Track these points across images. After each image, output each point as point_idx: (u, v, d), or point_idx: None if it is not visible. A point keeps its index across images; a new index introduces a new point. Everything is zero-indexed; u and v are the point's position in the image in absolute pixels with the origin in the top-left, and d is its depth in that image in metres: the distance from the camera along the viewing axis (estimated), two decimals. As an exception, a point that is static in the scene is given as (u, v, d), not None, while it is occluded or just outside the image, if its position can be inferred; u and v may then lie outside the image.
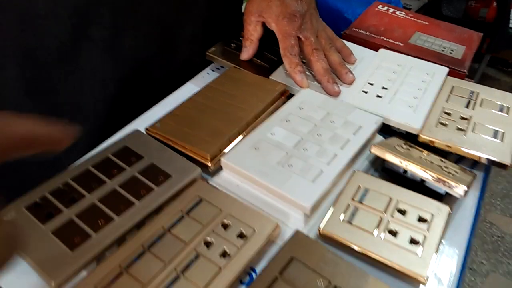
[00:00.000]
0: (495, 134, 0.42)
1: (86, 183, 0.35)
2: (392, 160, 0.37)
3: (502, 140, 0.41)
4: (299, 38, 0.48)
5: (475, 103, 0.47)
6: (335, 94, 0.46)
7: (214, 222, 0.32)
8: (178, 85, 0.51)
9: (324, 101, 0.44)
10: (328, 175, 0.35)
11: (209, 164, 0.38)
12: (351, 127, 0.40)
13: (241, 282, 0.31)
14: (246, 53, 0.51)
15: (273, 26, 0.49)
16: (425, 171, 0.36)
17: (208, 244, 0.31)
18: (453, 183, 0.35)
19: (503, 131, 0.43)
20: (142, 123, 0.44)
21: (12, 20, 0.40)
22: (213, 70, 0.55)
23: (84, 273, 0.30)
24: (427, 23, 0.66)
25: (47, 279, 0.29)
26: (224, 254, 0.30)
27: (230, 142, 0.40)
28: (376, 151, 0.38)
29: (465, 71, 0.55)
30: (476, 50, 0.62)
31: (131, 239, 0.31)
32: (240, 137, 0.41)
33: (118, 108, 0.50)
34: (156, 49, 0.50)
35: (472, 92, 0.48)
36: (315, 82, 0.48)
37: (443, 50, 0.59)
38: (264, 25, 0.50)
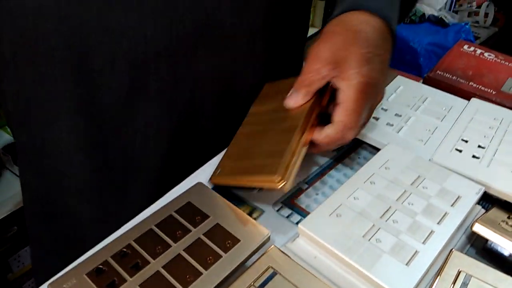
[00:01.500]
0: None
1: (150, 245, 0.32)
2: (500, 242, 0.32)
3: None
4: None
5: None
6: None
7: (290, 304, 0.28)
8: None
9: (413, 160, 0.39)
10: (425, 258, 0.30)
11: (280, 185, 0.33)
12: (449, 197, 0.35)
13: None
14: (294, 101, 0.39)
15: (343, 86, 0.36)
16: (545, 264, 0.30)
17: (284, 333, 0.27)
18: None
19: None
20: (203, 173, 0.42)
21: (67, 73, 0.40)
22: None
23: None
24: (520, 67, 0.59)
25: None
26: None
27: (293, 154, 0.35)
28: (479, 229, 0.33)
29: None
30: None
31: (199, 318, 0.28)
32: (303, 148, 0.36)
33: (171, 161, 0.47)
34: (214, 101, 0.47)
35: None
36: (401, 134, 0.44)
37: (543, 101, 0.52)
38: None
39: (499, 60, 0.61)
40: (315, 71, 0.37)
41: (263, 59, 0.48)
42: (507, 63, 0.61)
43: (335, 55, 0.36)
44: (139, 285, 0.29)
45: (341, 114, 0.35)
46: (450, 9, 2.26)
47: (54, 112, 0.42)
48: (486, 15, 2.25)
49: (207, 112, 0.47)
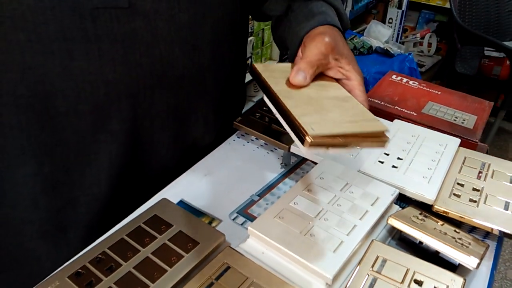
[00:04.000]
0: (506, 205, 0.44)
1: (122, 251, 0.38)
2: (409, 232, 0.40)
3: (514, 212, 0.44)
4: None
5: (486, 174, 0.49)
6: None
7: (241, 289, 0.35)
8: (191, 163, 0.53)
9: (343, 171, 0.47)
10: (349, 246, 0.38)
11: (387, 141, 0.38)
12: (369, 198, 0.43)
13: None
14: (303, 79, 0.42)
15: (349, 69, 0.45)
16: (440, 243, 0.38)
17: (236, 312, 0.33)
18: (466, 256, 0.37)
19: (515, 202, 0.45)
20: (168, 191, 0.49)
21: (33, 118, 0.42)
22: (238, 137, 0.59)
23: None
24: (439, 93, 0.70)
25: None
26: (251, 322, 0.32)
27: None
28: (393, 222, 0.41)
29: (477, 140, 0.58)
30: (487, 118, 0.65)
31: (166, 305, 0.34)
32: None
33: (135, 191, 0.51)
34: (172, 134, 0.52)
35: (483, 164, 0.51)
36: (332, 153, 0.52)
37: (455, 120, 0.62)
38: None
39: (422, 87, 0.72)
40: (324, 57, 0.44)
41: (212, 93, 0.55)
42: (428, 89, 0.71)
43: (338, 47, 0.45)
44: (114, 283, 0.35)
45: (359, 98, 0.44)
46: (397, 41, 2.46)
47: (18, 159, 0.44)
48: (429, 45, 2.46)
49: (167, 145, 0.52)
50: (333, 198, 0.43)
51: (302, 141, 0.34)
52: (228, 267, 0.37)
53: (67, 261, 0.38)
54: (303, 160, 0.55)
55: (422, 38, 2.36)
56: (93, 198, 0.49)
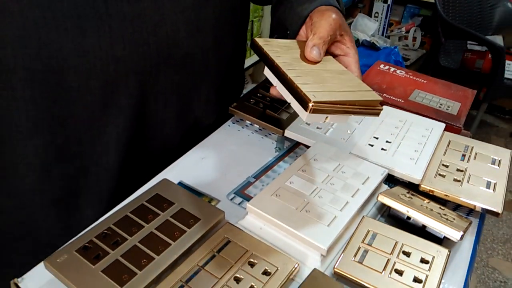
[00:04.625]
0: (488, 184, 0.47)
1: (127, 227, 0.40)
2: (397, 207, 0.42)
3: (494, 190, 0.47)
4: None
5: (469, 156, 0.52)
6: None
7: (241, 260, 0.37)
8: (193, 142, 0.56)
9: (335, 153, 0.50)
10: (342, 220, 0.40)
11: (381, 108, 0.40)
12: (360, 178, 0.46)
13: (267, 315, 0.35)
14: (318, 55, 0.45)
15: (350, 47, 0.49)
16: (426, 218, 0.41)
17: (238, 280, 0.35)
18: (450, 229, 0.39)
19: (495, 181, 0.48)
20: (167, 173, 0.51)
21: (46, 92, 0.45)
22: (233, 123, 0.61)
23: (130, 305, 0.34)
24: (425, 81, 0.73)
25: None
26: (252, 289, 0.35)
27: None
28: (382, 199, 0.43)
29: (461, 126, 0.61)
30: (470, 105, 0.68)
31: (172, 275, 0.36)
32: None
33: (141, 165, 0.54)
34: (175, 112, 0.55)
35: (467, 147, 0.54)
36: (328, 134, 0.54)
37: (440, 107, 0.65)
38: None
39: (408, 76, 0.75)
40: (333, 32, 0.47)
41: (215, 73, 0.58)
42: (415, 78, 0.74)
43: (344, 24, 0.49)
44: (120, 256, 0.37)
45: (355, 74, 0.47)
46: (382, 34, 2.49)
47: (30, 131, 0.46)
48: (414, 39, 2.50)
49: (171, 121, 0.55)
50: (326, 178, 0.46)
51: (305, 107, 0.37)
52: (229, 241, 0.39)
53: (78, 227, 0.40)
54: (296, 144, 0.58)
55: (407, 32, 2.41)
56: (102, 168, 0.51)
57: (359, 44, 1.87)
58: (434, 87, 0.71)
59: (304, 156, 0.49)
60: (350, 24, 2.14)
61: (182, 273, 0.36)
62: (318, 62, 0.45)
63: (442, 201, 0.48)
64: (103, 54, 0.45)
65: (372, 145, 0.53)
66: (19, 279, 0.37)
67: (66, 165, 0.50)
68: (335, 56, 0.49)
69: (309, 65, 0.45)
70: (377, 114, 0.41)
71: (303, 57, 0.45)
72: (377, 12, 2.42)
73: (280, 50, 0.45)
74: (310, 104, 0.36)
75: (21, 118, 0.45)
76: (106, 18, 0.44)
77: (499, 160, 0.51)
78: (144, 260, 0.37)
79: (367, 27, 1.99)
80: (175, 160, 0.53)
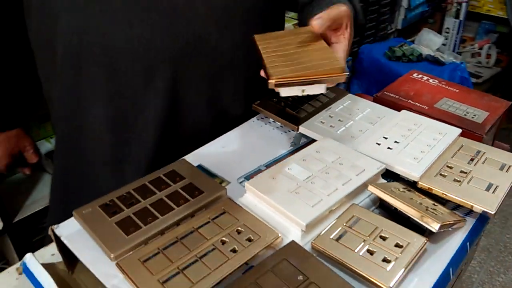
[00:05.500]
0: (489, 187, 0.48)
1: (143, 193, 0.47)
2: (380, 195, 0.45)
3: (493, 193, 0.47)
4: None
5: (478, 160, 0.52)
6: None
7: (231, 228, 0.42)
8: (222, 130, 0.63)
9: (338, 147, 0.53)
10: (326, 203, 0.44)
11: (345, 74, 0.44)
12: (356, 170, 0.49)
13: (242, 273, 0.40)
14: (320, 25, 0.50)
15: (345, 37, 0.54)
16: (405, 206, 0.43)
17: (223, 242, 0.41)
18: (429, 220, 0.41)
19: (497, 185, 0.48)
20: (190, 157, 0.57)
21: (100, 72, 0.56)
22: (258, 119, 0.67)
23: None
24: (457, 91, 0.73)
25: (108, 253, 0.40)
26: (234, 250, 0.40)
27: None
28: (371, 189, 0.46)
29: (483, 134, 0.61)
30: (501, 116, 0.67)
31: (170, 233, 0.42)
32: None
33: (174, 144, 0.63)
34: (205, 99, 0.62)
35: (478, 152, 0.54)
36: (339, 132, 0.58)
37: (465, 115, 0.65)
38: None
39: (441, 85, 0.75)
40: (340, 18, 0.52)
41: (243, 67, 0.64)
42: (447, 87, 0.74)
43: (351, 19, 0.54)
44: (132, 213, 0.44)
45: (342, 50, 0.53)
46: (453, 50, 2.40)
47: (91, 104, 0.58)
48: (488, 56, 2.38)
49: (200, 108, 0.63)
50: (323, 167, 0.49)
51: (269, 83, 0.44)
52: (224, 212, 0.45)
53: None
54: (311, 142, 0.62)
55: (480, 48, 2.29)
56: (143, 141, 0.61)
57: (422, 58, 1.83)
58: (465, 97, 0.71)
59: (308, 148, 0.53)
60: (413, 40, 2.10)
61: (179, 232, 0.42)
62: (319, 34, 0.51)
63: (442, 201, 0.49)
64: (146, 44, 0.55)
65: (379, 144, 0.55)
66: (55, 226, 0.46)
67: (114, 134, 0.60)
68: (330, 44, 0.53)
69: (294, 48, 0.49)
70: (341, 79, 0.44)
71: (295, 41, 0.51)
72: (448, 28, 2.34)
73: (273, 40, 0.52)
74: (272, 80, 0.43)
75: (86, 92, 0.58)
76: (147, 11, 0.53)
77: (509, 166, 0.51)
78: (150, 218, 0.43)
79: (432, 41, 1.94)
80: (204, 144, 0.60)
